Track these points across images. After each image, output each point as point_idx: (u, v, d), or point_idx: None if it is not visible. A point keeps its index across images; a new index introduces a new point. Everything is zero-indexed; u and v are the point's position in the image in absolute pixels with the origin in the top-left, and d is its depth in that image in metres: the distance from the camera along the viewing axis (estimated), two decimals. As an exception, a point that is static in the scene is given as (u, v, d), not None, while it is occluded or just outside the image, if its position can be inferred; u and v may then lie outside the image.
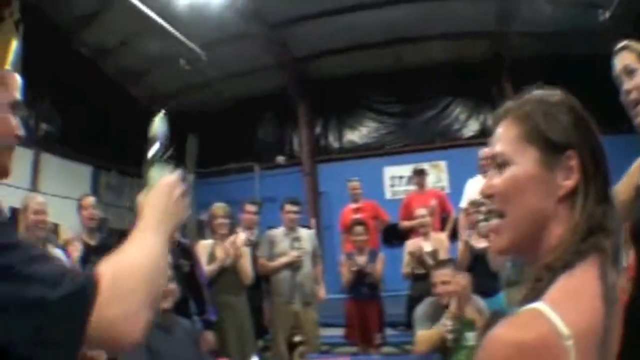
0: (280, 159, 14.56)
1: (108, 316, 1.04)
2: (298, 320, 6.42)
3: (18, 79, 1.42)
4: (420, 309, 4.87)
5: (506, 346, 0.90)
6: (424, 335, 4.56)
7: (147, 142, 1.52)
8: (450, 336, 4.29)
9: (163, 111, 1.61)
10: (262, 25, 12.04)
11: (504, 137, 1.15)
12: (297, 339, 5.94)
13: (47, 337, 0.99)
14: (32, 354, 1.00)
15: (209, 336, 5.01)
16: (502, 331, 0.93)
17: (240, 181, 14.80)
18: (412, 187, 9.30)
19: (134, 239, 1.27)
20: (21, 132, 1.42)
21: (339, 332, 7.33)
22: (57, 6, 12.46)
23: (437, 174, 11.93)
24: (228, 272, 5.68)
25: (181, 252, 4.96)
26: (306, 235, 6.87)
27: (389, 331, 7.27)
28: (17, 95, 1.40)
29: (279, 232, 6.76)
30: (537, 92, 1.18)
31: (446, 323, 4.36)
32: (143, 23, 11.61)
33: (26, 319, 0.98)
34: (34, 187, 12.91)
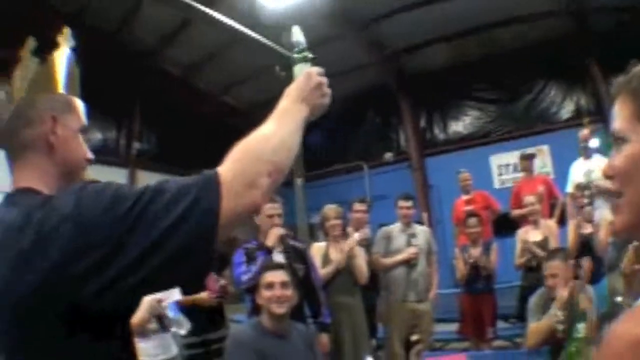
0: (388, 155, 14.47)
1: (233, 200, 1.18)
2: (413, 317, 6.27)
3: (81, 104, 1.49)
4: (532, 301, 4.67)
5: (630, 343, 0.82)
6: (535, 327, 4.35)
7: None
8: (560, 327, 4.05)
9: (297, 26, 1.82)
10: (355, 24, 12.04)
11: (619, 115, 1.08)
12: (414, 337, 5.77)
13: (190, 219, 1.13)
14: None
15: (324, 339, 4.98)
16: (624, 327, 0.86)
17: (350, 181, 14.82)
18: (520, 175, 9.01)
19: (269, 121, 1.43)
20: (91, 155, 1.49)
21: (450, 327, 7.19)
22: (138, 29, 13.06)
23: (542, 159, 11.39)
24: (343, 273, 5.57)
25: (295, 256, 4.89)
26: (421, 231, 6.70)
27: (500, 324, 7.03)
28: (84, 120, 1.47)
29: (394, 228, 6.61)
30: None
31: (556, 314, 4.12)
32: (230, 34, 11.76)
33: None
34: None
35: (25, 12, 12.29)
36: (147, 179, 14.69)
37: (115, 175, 13.64)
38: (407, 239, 6.40)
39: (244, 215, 1.24)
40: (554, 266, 4.48)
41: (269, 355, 3.39)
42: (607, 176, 1.09)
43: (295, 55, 1.75)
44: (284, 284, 3.64)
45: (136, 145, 14.78)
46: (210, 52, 13.80)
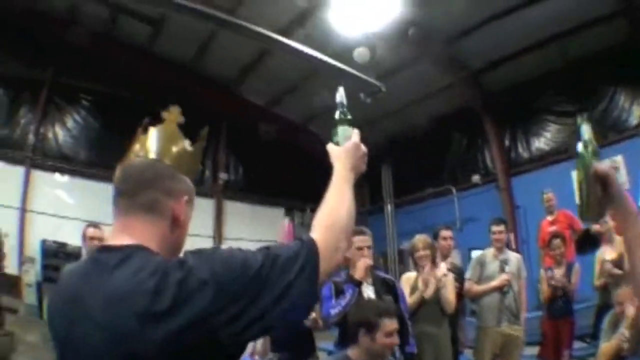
0: (476, 177, 14.31)
1: (325, 263, 1.50)
2: (505, 343, 6.25)
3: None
4: (605, 321, 4.68)
5: None
6: (605, 348, 4.32)
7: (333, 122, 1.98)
8: (626, 345, 4.00)
9: (342, 87, 2.05)
10: (433, 45, 12.06)
11: None
12: None
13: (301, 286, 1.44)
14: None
15: (410, 368, 4.98)
16: None
17: (439, 205, 14.80)
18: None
19: (335, 189, 1.71)
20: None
21: (533, 350, 7.05)
22: (217, 59, 13.68)
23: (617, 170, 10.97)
24: (430, 303, 5.48)
25: (383, 288, 4.85)
26: (514, 257, 6.65)
27: (577, 344, 6.90)
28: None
29: (488, 254, 6.64)
30: None
31: (624, 332, 4.09)
32: (314, 65, 12.03)
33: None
34: (217, 234, 14.09)
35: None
36: (234, 209, 15.24)
37: (203, 206, 14.36)
38: (500, 265, 6.39)
39: (332, 273, 1.59)
40: (620, 294, 4.47)
41: None
42: None
43: (338, 116, 1.96)
44: (397, 331, 3.63)
45: (223, 176, 15.32)
46: (292, 83, 14.16)
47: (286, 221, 4.24)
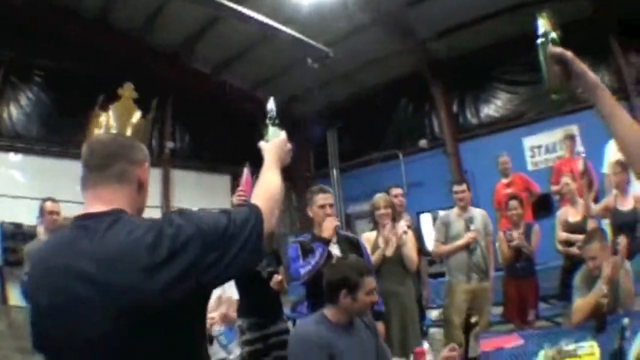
0: (423, 142, 14.46)
1: (266, 225, 1.83)
2: (474, 298, 6.40)
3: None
4: (576, 278, 4.76)
5: None
6: (581, 303, 4.42)
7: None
8: (605, 301, 4.11)
9: (272, 97, 2.52)
10: (384, 12, 12.02)
11: None
12: (473, 319, 5.76)
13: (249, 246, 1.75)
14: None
15: (380, 327, 5.00)
16: None
17: (385, 170, 14.87)
18: (553, 155, 9.02)
19: (266, 175, 2.10)
20: None
21: (495, 310, 7.13)
22: (164, 28, 13.37)
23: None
24: (392, 261, 5.53)
25: (349, 247, 4.88)
26: (478, 214, 6.76)
27: (540, 305, 7.02)
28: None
29: (452, 213, 6.78)
30: None
31: (602, 288, 4.19)
32: (259, 30, 11.99)
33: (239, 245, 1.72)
34: (164, 203, 14.00)
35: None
36: (181, 177, 15.03)
37: (150, 175, 13.81)
38: (466, 223, 6.52)
39: (269, 233, 1.88)
40: (592, 249, 4.57)
41: (336, 347, 3.35)
42: None
43: (269, 121, 2.42)
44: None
45: (169, 144, 15.06)
46: (240, 49, 13.97)
47: (246, 170, 4.21)
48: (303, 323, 3.85)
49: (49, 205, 6.01)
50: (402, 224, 5.78)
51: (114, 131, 1.87)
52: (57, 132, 13.41)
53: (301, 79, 13.88)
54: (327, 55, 12.54)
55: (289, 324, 5.90)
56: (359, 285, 3.46)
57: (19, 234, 12.55)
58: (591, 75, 1.89)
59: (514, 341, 4.52)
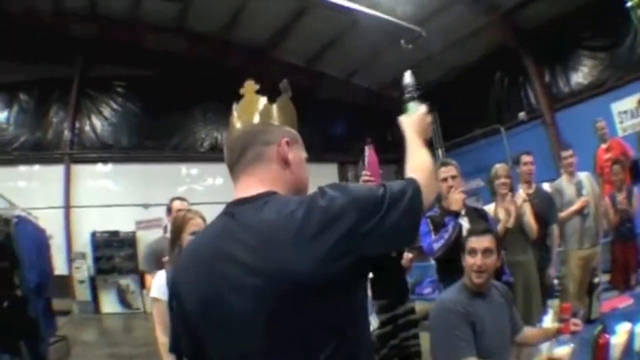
0: (522, 115, 14.30)
1: (426, 197, 1.73)
2: (586, 264, 6.42)
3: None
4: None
5: None
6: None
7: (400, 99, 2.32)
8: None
9: (410, 69, 2.41)
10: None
11: None
12: (596, 280, 5.66)
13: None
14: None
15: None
16: None
17: (488, 145, 14.91)
18: (638, 120, 8.89)
19: (412, 150, 2.02)
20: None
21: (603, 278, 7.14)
22: (249, 29, 13.62)
23: None
24: (513, 232, 5.45)
25: (478, 218, 4.91)
26: (585, 178, 6.78)
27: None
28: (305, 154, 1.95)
29: (562, 180, 6.79)
30: None
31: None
32: (349, 18, 12.16)
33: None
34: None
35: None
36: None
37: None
38: (576, 189, 6.61)
39: (428, 208, 1.86)
40: None
41: (474, 314, 3.42)
42: None
43: (408, 96, 2.31)
44: (486, 251, 3.56)
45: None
46: (331, 38, 14.24)
47: (368, 149, 4.31)
48: (446, 293, 3.82)
49: (177, 204, 6.01)
50: (520, 192, 5.83)
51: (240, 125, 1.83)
52: (147, 137, 13.99)
53: (396, 62, 13.76)
54: (420, 35, 12.61)
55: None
56: (465, 247, 3.66)
57: (113, 241, 13.13)
58: None
59: (625, 301, 4.71)
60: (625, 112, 11.79)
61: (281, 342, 1.50)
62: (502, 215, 5.48)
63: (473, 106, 15.56)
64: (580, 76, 13.10)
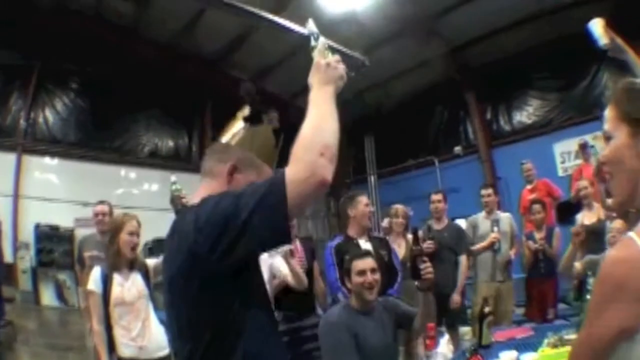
0: (457, 149, 14.47)
1: (294, 191, 1.62)
2: (497, 297, 6.81)
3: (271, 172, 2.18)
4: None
5: (611, 262, 1.33)
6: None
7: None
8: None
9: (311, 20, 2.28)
10: (416, 21, 12.26)
11: (607, 119, 1.55)
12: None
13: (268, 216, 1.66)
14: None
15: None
16: (610, 253, 1.38)
17: (422, 176, 14.99)
18: (580, 161, 9.23)
19: (315, 106, 1.85)
20: None
21: (519, 310, 7.43)
22: (202, 36, 13.63)
23: (603, 145, 11.15)
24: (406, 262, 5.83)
25: (379, 244, 5.42)
26: (505, 217, 7.30)
27: (561, 306, 7.15)
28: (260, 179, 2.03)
29: (480, 216, 7.33)
30: (625, 80, 1.56)
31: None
32: (297, 40, 12.09)
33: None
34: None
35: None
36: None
37: (188, 181, 14.08)
38: (491, 225, 7.03)
39: (314, 194, 1.68)
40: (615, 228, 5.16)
41: (355, 327, 3.77)
42: (601, 163, 1.56)
43: (312, 44, 2.21)
44: (373, 270, 3.93)
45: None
46: (280, 56, 14.22)
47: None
48: (331, 310, 4.21)
49: (98, 208, 6.62)
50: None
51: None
52: (92, 137, 13.85)
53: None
54: (364, 63, 12.68)
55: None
56: (350, 269, 3.99)
57: (54, 236, 12.94)
58: None
59: (525, 332, 4.85)
60: (568, 152, 12.04)
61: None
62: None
63: (411, 136, 15.67)
64: (525, 115, 13.37)
